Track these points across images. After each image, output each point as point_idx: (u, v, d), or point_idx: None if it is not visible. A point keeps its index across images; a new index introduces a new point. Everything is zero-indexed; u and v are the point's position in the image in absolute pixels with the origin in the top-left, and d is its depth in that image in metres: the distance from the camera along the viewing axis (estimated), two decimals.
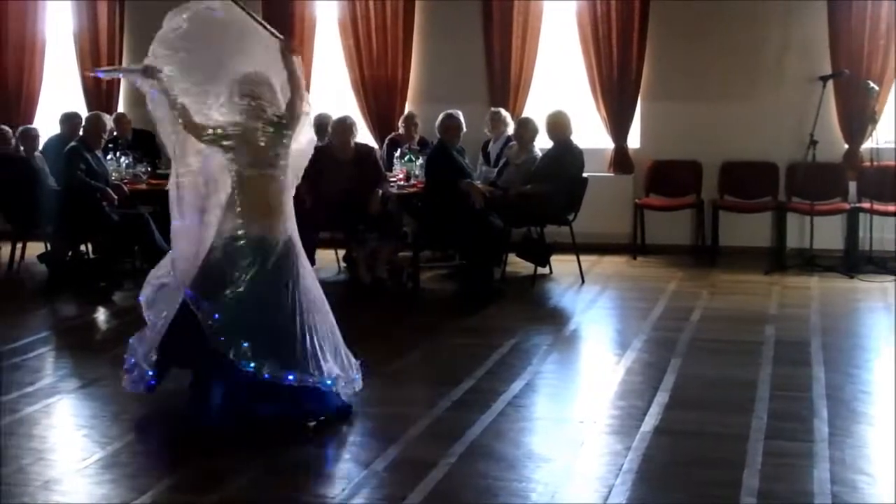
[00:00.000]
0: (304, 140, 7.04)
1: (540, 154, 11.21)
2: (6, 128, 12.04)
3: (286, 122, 6.70)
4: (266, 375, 6.48)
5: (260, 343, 6.50)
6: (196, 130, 6.66)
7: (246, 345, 6.45)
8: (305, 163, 7.15)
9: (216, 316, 6.47)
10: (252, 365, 6.44)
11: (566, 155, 10.97)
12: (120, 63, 13.74)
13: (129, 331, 9.31)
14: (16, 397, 7.26)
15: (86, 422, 6.90)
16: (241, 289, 6.54)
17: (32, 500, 5.58)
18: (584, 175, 11.04)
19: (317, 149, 9.50)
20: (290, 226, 6.75)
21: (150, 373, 6.79)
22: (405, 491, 5.55)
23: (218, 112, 6.81)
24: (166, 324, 6.78)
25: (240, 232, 6.56)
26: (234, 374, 6.51)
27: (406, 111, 12.83)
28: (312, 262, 10.82)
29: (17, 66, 14.21)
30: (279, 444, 6.43)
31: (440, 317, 10.00)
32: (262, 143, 6.62)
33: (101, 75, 11.66)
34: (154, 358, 6.82)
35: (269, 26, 7.19)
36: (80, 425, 6.88)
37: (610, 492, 5.56)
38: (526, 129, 11.32)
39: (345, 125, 10.90)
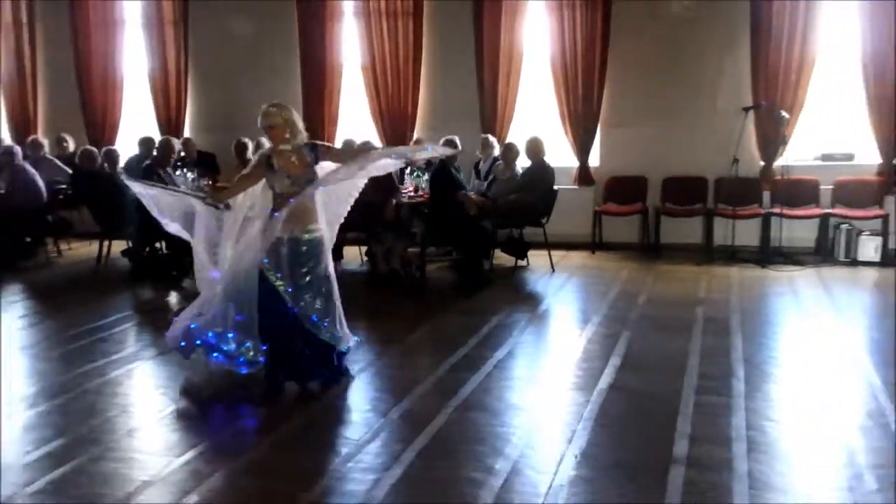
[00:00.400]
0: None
1: (520, 171, 11.29)
2: (93, 149, 12.09)
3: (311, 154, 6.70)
4: (332, 342, 6.66)
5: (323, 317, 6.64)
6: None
7: (315, 318, 6.59)
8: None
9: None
10: (326, 335, 6.62)
11: (541, 171, 11.02)
12: (185, 96, 13.81)
13: None
14: (104, 363, 7.36)
15: (161, 382, 6.96)
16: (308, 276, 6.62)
17: (118, 445, 5.68)
18: (555, 188, 11.10)
19: None
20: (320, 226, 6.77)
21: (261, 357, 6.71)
22: (414, 435, 5.68)
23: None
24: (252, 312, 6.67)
25: (289, 234, 6.59)
26: (311, 341, 6.62)
27: (415, 136, 12.87)
28: (341, 256, 10.99)
29: (102, 99, 14.21)
30: (313, 401, 6.53)
31: (442, 299, 10.08)
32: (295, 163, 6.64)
33: None
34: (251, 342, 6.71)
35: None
36: (157, 385, 6.96)
37: (573, 434, 5.68)
38: (510, 152, 11.38)
39: (365, 148, 11.00)
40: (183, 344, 6.86)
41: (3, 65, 14.60)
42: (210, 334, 6.69)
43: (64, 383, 6.88)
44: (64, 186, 12.28)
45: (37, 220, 11.85)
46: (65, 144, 13.55)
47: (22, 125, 14.45)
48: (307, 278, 6.60)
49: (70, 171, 12.36)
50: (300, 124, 6.78)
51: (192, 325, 6.79)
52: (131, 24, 14.16)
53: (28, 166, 11.97)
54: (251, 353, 6.61)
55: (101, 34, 14.20)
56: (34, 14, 14.42)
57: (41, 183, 11.84)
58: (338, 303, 6.76)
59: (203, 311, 6.81)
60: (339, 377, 6.80)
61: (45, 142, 13.19)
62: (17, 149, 12.18)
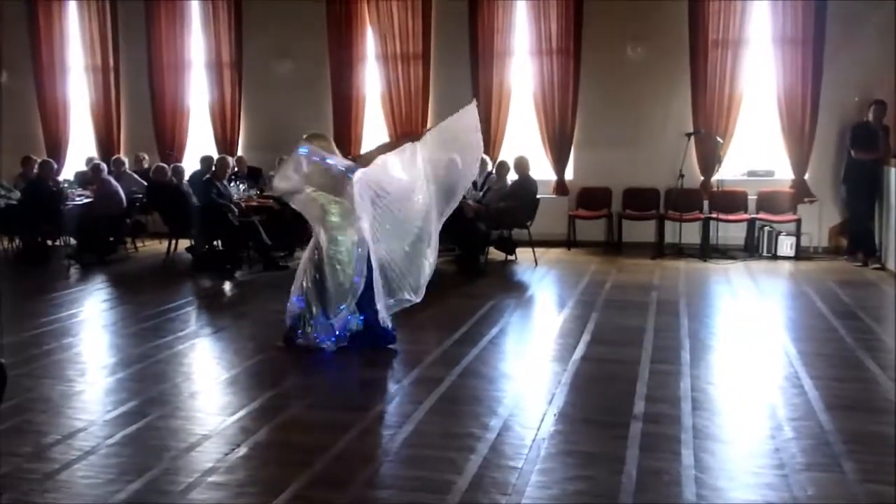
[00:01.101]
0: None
1: (509, 182, 11.23)
2: (164, 165, 12.04)
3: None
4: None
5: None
6: None
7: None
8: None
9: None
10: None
11: (526, 184, 10.96)
12: (238, 122, 13.76)
13: (246, 297, 9.44)
14: (171, 338, 7.30)
15: (217, 354, 6.94)
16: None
17: (182, 406, 5.65)
18: (538, 196, 11.04)
19: None
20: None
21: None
22: (423, 398, 5.62)
23: None
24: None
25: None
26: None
27: None
28: None
29: (172, 125, 14.14)
30: (341, 369, 6.48)
31: (445, 287, 9.93)
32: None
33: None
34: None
35: None
36: (214, 357, 6.93)
37: (552, 397, 5.63)
38: (503, 168, 11.35)
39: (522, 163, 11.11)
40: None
41: (92, 97, 14.53)
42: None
43: (138, 355, 6.82)
44: (140, 196, 12.20)
45: (118, 222, 11.79)
46: (142, 161, 13.48)
47: (107, 146, 14.35)
48: None
49: (145, 183, 12.29)
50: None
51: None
52: (196, 64, 14.09)
53: (112, 179, 11.90)
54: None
55: (172, 73, 14.11)
56: (119, 57, 14.35)
57: (122, 193, 11.76)
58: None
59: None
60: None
61: (126, 159, 13.10)
62: (104, 165, 12.12)
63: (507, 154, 12.19)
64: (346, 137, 13.27)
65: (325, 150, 6.69)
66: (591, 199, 12.56)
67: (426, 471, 4.49)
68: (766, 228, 11.59)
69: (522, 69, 12.78)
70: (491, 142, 12.70)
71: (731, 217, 11.68)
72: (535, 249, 11.10)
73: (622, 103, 12.34)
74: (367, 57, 13.31)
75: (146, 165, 13.23)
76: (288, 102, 13.43)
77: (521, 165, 11.06)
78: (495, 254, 11.36)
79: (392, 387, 5.94)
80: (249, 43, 13.63)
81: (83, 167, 13.38)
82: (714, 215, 11.63)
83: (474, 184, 11.84)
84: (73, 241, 12.13)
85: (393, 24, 13.00)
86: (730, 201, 11.74)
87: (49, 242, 12.27)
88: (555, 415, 5.27)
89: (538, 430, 5.01)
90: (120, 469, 4.52)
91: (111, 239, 11.93)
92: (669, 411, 5.29)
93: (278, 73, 13.47)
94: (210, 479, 4.40)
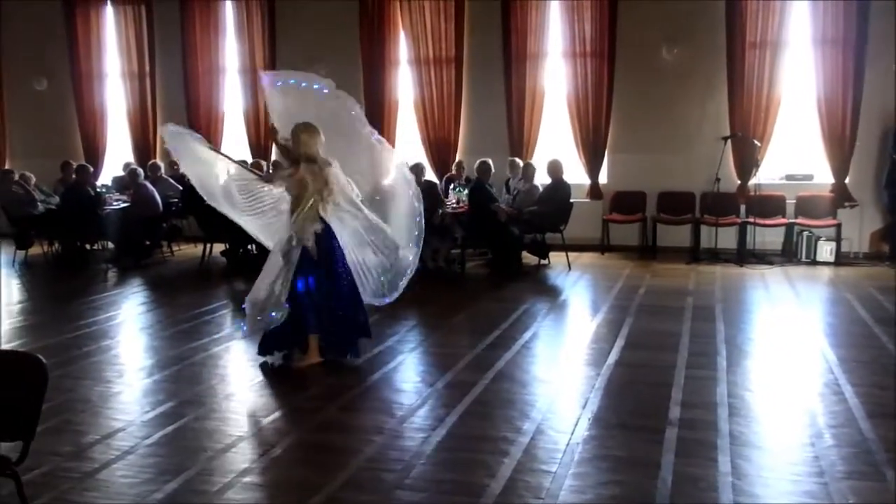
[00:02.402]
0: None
1: (540, 186, 11.22)
2: None
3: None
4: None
5: None
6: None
7: None
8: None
9: None
10: None
11: (560, 187, 10.94)
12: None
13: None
14: (207, 341, 7.40)
15: (252, 356, 6.94)
16: None
17: (217, 407, 5.71)
18: (571, 200, 11.01)
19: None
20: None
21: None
22: (456, 401, 5.66)
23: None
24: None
25: None
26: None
27: (457, 159, 12.82)
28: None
29: (207, 130, 14.16)
30: (374, 372, 6.50)
31: (478, 290, 10.01)
32: None
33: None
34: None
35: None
36: (248, 359, 6.93)
37: (587, 401, 5.63)
38: (529, 169, 11.35)
39: (418, 168, 11.03)
40: None
41: (129, 103, 14.73)
42: None
43: (174, 357, 6.92)
44: (176, 200, 12.36)
45: (154, 226, 11.95)
46: (176, 167, 13.57)
47: (144, 151, 14.56)
48: None
49: (181, 188, 12.44)
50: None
51: None
52: (230, 71, 14.24)
53: (148, 184, 12.07)
54: None
55: (207, 79, 14.29)
56: (155, 63, 14.55)
57: (158, 197, 11.92)
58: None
59: None
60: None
61: (162, 164, 13.27)
62: (140, 170, 12.30)
63: (540, 158, 12.18)
64: None
65: (316, 143, 6.32)
66: (625, 203, 12.50)
67: (459, 474, 4.51)
68: (805, 233, 11.45)
69: (556, 72, 12.76)
70: (524, 145, 12.73)
71: (768, 221, 11.56)
72: (569, 253, 11.08)
73: (657, 106, 12.28)
74: (400, 61, 13.38)
75: (182, 169, 13.35)
76: None
77: (555, 169, 11.03)
78: (528, 258, 11.34)
79: (424, 390, 5.96)
80: (283, 48, 13.76)
81: (120, 172, 13.58)
82: (751, 220, 11.52)
83: (507, 188, 11.90)
84: (110, 245, 12.33)
85: (425, 27, 13.05)
86: (767, 205, 11.62)
87: (87, 247, 12.47)
88: (589, 419, 5.26)
89: (572, 434, 5.01)
90: (157, 469, 4.59)
91: (148, 243, 12.09)
92: (705, 417, 5.26)
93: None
94: (245, 479, 4.46)
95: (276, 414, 5.52)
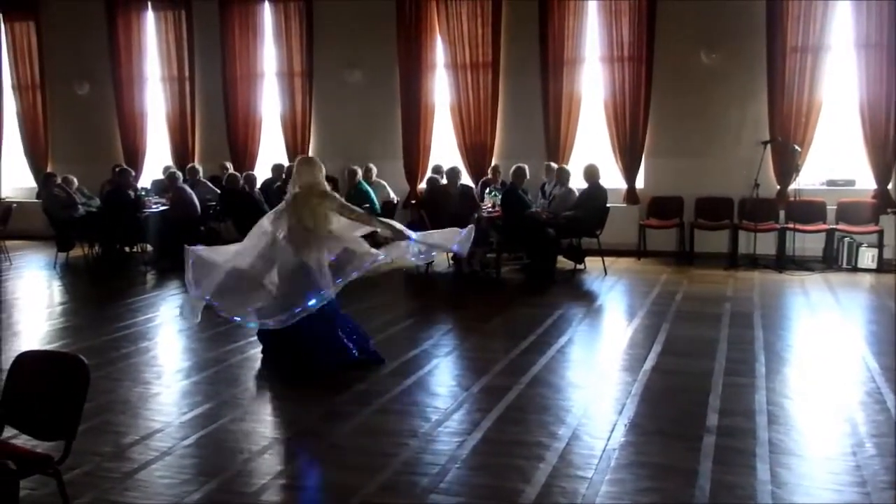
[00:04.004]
0: None
1: (576, 191, 11.18)
2: (237, 174, 12.29)
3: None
4: None
5: None
6: None
7: None
8: None
9: None
10: None
11: (596, 192, 10.86)
12: (309, 132, 13.96)
13: None
14: (243, 343, 7.40)
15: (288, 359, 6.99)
16: None
17: (254, 409, 5.81)
18: (608, 205, 10.95)
19: (435, 186, 9.38)
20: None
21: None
22: (491, 406, 5.65)
23: None
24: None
25: None
26: None
27: (492, 163, 12.79)
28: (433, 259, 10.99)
29: (244, 134, 14.41)
30: (409, 376, 6.51)
31: (514, 295, 9.99)
32: None
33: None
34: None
35: None
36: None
37: (623, 407, 5.60)
38: (563, 173, 11.28)
39: (455, 172, 11.08)
40: None
41: (169, 107, 14.92)
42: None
43: (211, 359, 6.99)
44: (214, 203, 12.49)
45: (192, 229, 12.06)
46: (226, 170, 13.59)
47: (182, 154, 14.73)
48: None
49: (219, 192, 12.58)
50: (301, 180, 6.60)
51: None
52: (269, 76, 14.36)
53: (187, 187, 12.21)
54: None
55: (245, 84, 14.42)
56: (194, 67, 14.73)
57: (196, 200, 12.06)
58: None
59: None
60: None
61: (200, 168, 13.41)
62: (179, 173, 12.44)
63: (576, 163, 12.14)
64: (413, 147, 13.39)
65: (312, 175, 6.56)
66: (662, 208, 12.42)
67: (495, 479, 4.51)
68: (846, 239, 11.29)
69: (593, 76, 12.72)
70: (560, 150, 12.69)
71: (808, 227, 11.40)
72: (605, 258, 11.02)
73: (695, 110, 12.19)
74: (437, 65, 13.41)
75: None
76: (357, 111, 13.62)
77: (591, 174, 10.98)
78: (564, 262, 11.29)
79: (460, 394, 5.96)
80: (320, 52, 13.85)
81: (159, 176, 13.74)
82: (791, 225, 11.37)
83: (543, 193, 11.88)
84: (149, 247, 12.48)
85: (462, 32, 13.06)
86: (807, 211, 11.47)
87: (127, 249, 12.65)
88: (625, 425, 5.23)
89: (608, 440, 4.98)
90: (195, 470, 4.64)
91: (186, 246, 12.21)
92: (744, 425, 5.21)
93: (348, 82, 13.65)
94: (281, 482, 4.50)
95: (312, 417, 5.56)
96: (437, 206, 10.68)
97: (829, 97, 11.74)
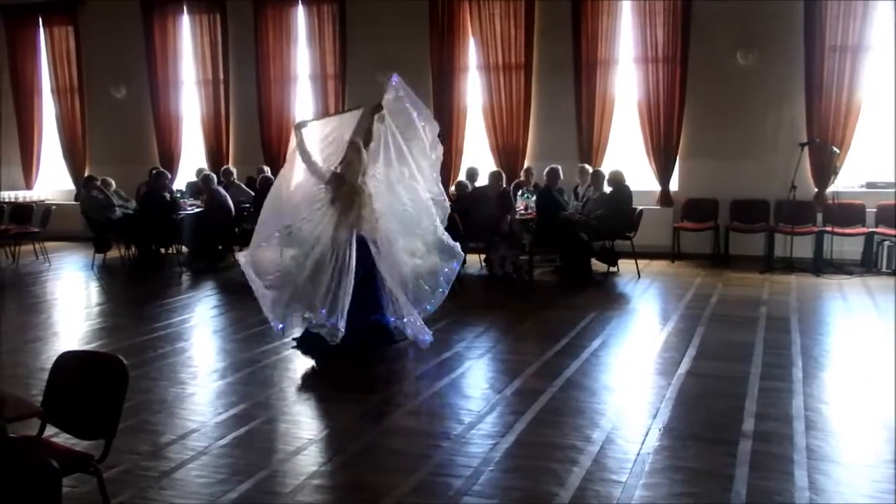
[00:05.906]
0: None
1: (608, 192, 11.16)
2: (271, 176, 12.32)
3: None
4: None
5: None
6: None
7: None
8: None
9: None
10: None
11: (620, 193, 10.77)
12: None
13: None
14: (278, 344, 7.45)
15: (321, 360, 7.05)
16: None
17: (289, 410, 5.85)
18: (638, 207, 10.90)
19: (466, 191, 9.44)
20: None
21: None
22: (525, 408, 5.66)
23: None
24: None
25: None
26: None
27: (525, 165, 12.82)
28: (464, 262, 11.05)
29: (278, 136, 14.49)
30: (443, 378, 6.53)
31: (546, 297, 9.98)
32: None
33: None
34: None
35: None
36: (318, 363, 7.06)
37: (657, 412, 5.58)
38: (597, 176, 11.19)
39: (499, 175, 11.16)
40: None
41: (203, 110, 15.08)
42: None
43: (246, 359, 7.07)
44: (248, 205, 12.58)
45: (226, 231, 12.19)
46: (261, 173, 13.62)
47: (217, 157, 14.88)
48: None
49: (252, 193, 12.68)
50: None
51: None
52: (302, 78, 14.47)
53: (221, 189, 12.33)
54: None
55: (279, 87, 14.54)
56: (229, 71, 14.88)
57: (230, 202, 12.17)
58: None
59: None
60: None
61: (234, 170, 13.51)
62: (213, 175, 12.56)
63: (609, 164, 12.11)
64: (446, 149, 13.32)
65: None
66: (696, 211, 12.34)
67: (528, 482, 4.51)
68: (886, 243, 11.12)
69: (626, 77, 12.68)
70: (593, 151, 12.66)
71: (846, 230, 11.28)
72: (638, 261, 10.97)
73: (731, 112, 12.11)
74: (469, 67, 13.44)
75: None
76: None
77: (615, 176, 10.96)
78: (597, 265, 11.26)
79: (493, 397, 5.97)
80: (353, 55, 13.92)
81: (194, 178, 13.89)
82: (829, 228, 11.24)
83: (576, 195, 11.86)
84: (184, 249, 12.62)
85: (495, 33, 13.08)
86: (846, 214, 11.34)
87: (162, 250, 12.81)
88: (660, 429, 5.21)
89: (642, 444, 4.96)
90: (231, 469, 4.69)
91: (220, 247, 12.35)
92: (781, 430, 5.16)
93: (381, 83, 13.65)
94: (315, 482, 4.53)
95: (346, 417, 5.59)
96: (473, 207, 10.70)
97: (868, 97, 11.60)
